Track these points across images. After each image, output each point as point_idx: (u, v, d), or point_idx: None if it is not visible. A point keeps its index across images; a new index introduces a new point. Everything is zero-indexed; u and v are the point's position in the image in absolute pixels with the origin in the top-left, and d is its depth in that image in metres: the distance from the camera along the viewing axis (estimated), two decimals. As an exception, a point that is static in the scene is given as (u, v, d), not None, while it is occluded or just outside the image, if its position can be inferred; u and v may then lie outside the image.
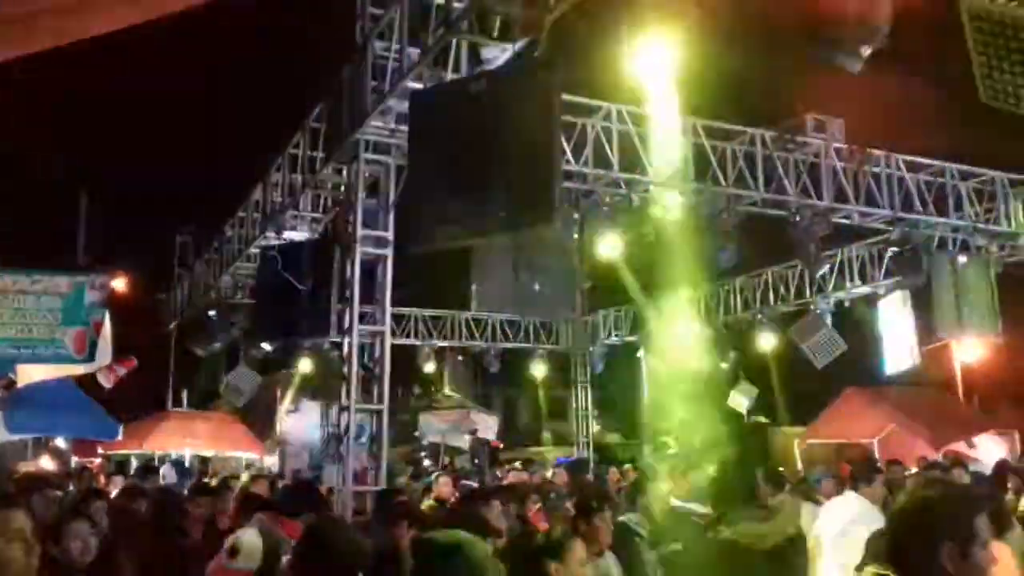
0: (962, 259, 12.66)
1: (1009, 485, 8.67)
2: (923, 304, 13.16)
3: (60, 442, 15.34)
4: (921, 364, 14.96)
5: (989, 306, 12.76)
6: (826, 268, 14.41)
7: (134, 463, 17.43)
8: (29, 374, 10.48)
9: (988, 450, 14.98)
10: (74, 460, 15.77)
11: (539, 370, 20.75)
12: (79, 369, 8.80)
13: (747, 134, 11.07)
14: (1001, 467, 10.25)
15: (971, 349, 17.99)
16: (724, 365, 18.03)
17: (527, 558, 3.32)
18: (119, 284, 10.15)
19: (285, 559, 3.87)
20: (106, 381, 11.92)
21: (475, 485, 11.69)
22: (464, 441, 21.46)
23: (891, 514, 2.43)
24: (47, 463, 14.16)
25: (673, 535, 6.15)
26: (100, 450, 16.75)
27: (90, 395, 12.83)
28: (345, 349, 9.20)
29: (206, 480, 14.16)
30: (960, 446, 15.00)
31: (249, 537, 3.86)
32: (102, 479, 12.34)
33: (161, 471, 14.68)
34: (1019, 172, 12.94)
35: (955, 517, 2.28)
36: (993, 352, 17.20)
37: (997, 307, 12.84)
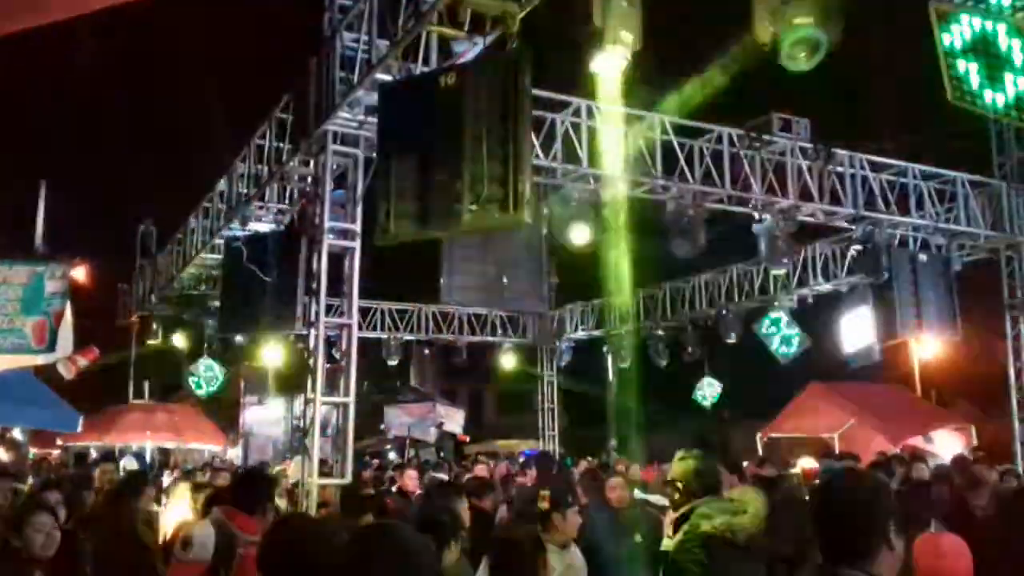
0: (922, 258, 12.89)
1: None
2: (884, 302, 13.38)
3: (17, 433, 15.09)
4: (881, 360, 15.22)
5: (948, 304, 13.00)
6: (790, 265, 14.61)
7: (94, 455, 17.18)
8: (-13, 365, 10.28)
9: (945, 444, 15.29)
10: (32, 452, 15.52)
11: (506, 363, 20.79)
12: (39, 360, 8.63)
13: (714, 132, 11.16)
14: (959, 462, 10.49)
15: (930, 346, 18.33)
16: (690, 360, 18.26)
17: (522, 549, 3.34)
18: (80, 274, 9.97)
19: (240, 551, 3.84)
20: (67, 372, 11.72)
21: (445, 478, 11.71)
22: (430, 434, 21.44)
23: (831, 498, 2.55)
24: (1, 454, 13.93)
25: (634, 528, 6.22)
26: (59, 441, 16.50)
27: (50, 386, 12.63)
28: (311, 342, 9.14)
29: (167, 472, 14.03)
30: (918, 441, 15.30)
31: (201, 529, 3.83)
32: (61, 471, 12.18)
33: (121, 463, 14.48)
34: (979, 173, 13.20)
35: (890, 497, 2.49)
36: (951, 349, 17.54)
37: (956, 306, 13.09)
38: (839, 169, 11.83)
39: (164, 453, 18.31)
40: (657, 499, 7.59)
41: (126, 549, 5.68)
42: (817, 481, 8.44)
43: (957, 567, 4.20)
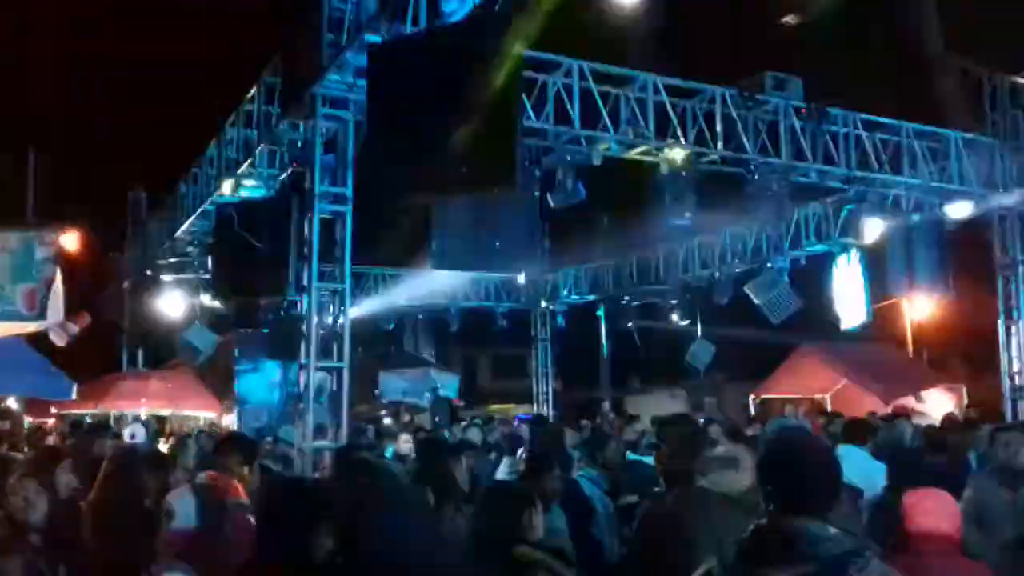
0: (915, 217, 12.88)
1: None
2: (876, 262, 13.39)
3: (12, 402, 15.08)
4: (873, 321, 15.27)
5: (940, 264, 13.01)
6: (783, 226, 14.61)
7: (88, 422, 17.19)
8: (-22, 333, 10.25)
9: (936, 403, 15.39)
10: (28, 420, 15.54)
11: (499, 328, 20.81)
12: (30, 327, 8.62)
13: (707, 92, 11.08)
14: (948, 420, 10.57)
15: (922, 306, 18.41)
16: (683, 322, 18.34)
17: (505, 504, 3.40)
18: (70, 241, 9.93)
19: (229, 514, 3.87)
20: (58, 339, 11.69)
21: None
22: (425, 400, 21.50)
23: (794, 456, 2.62)
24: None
25: (629, 487, 6.28)
26: (54, 410, 16.51)
27: (41, 354, 12.58)
28: (304, 307, 9.14)
29: (163, 439, 14.06)
30: (909, 400, 15.40)
31: (180, 498, 3.85)
32: (54, 438, 12.20)
33: (125, 432, 14.49)
34: (972, 132, 13.14)
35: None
36: (943, 309, 17.62)
37: (948, 265, 13.11)
38: (832, 128, 11.78)
39: (159, 421, 18.32)
40: (651, 460, 7.65)
41: (128, 519, 5.69)
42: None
43: (941, 525, 4.23)
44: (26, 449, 10.30)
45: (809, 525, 2.39)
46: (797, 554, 2.34)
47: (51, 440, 11.97)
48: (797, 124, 11.45)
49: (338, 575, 3.09)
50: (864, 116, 12.07)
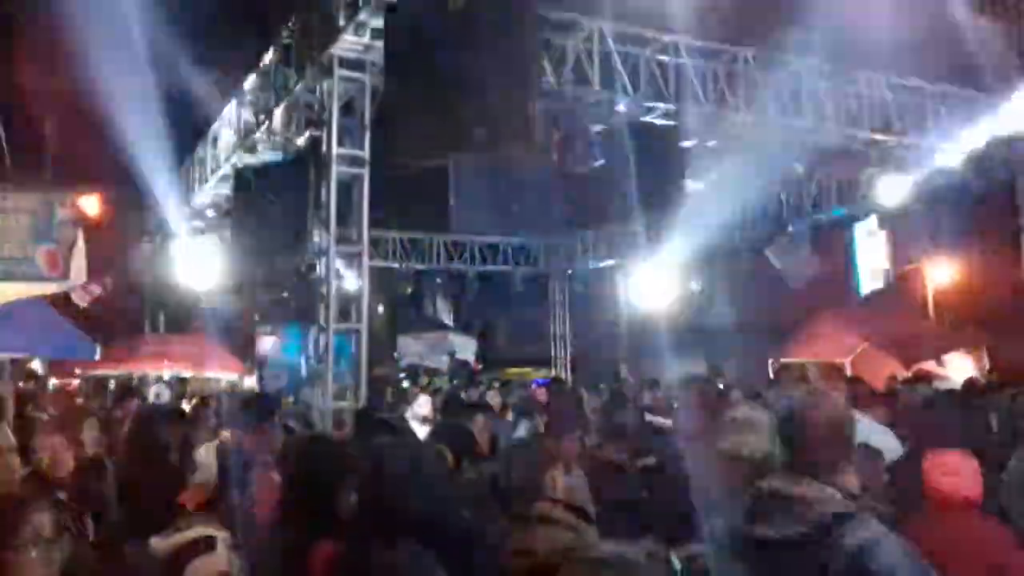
0: (939, 180, 12.71)
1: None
2: (899, 225, 13.25)
3: (36, 363, 15.30)
4: (894, 285, 15.16)
5: (964, 227, 12.88)
6: (805, 189, 14.47)
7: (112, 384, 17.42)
8: (2, 293, 10.35)
9: (958, 367, 15.29)
10: (52, 381, 15.77)
11: (517, 292, 20.84)
12: (52, 287, 8.73)
13: (729, 53, 10.92)
14: (970, 383, 10.52)
15: (943, 271, 18.22)
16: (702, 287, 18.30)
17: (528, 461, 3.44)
18: (91, 203, 9.98)
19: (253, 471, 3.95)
20: (80, 300, 11.83)
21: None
22: (443, 363, 21.65)
23: (794, 416, 2.59)
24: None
25: (647, 450, 6.30)
26: (78, 371, 16.73)
27: (63, 316, 12.73)
28: (322, 270, 9.18)
29: (185, 401, 14.25)
30: (930, 364, 15.30)
31: (205, 455, 3.95)
32: (80, 400, 12.37)
33: (152, 391, 14.71)
34: (998, 92, 12.90)
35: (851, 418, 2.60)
36: (964, 272, 17.43)
37: (972, 228, 12.96)
38: (856, 90, 11.59)
39: (181, 382, 18.54)
40: (662, 422, 7.67)
41: (154, 474, 5.78)
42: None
43: (962, 484, 4.23)
44: (50, 409, 10.47)
45: (808, 486, 2.40)
46: (792, 515, 2.36)
47: (78, 401, 12.14)
48: (820, 86, 11.27)
49: (359, 530, 3.13)
50: (888, 77, 11.86)
